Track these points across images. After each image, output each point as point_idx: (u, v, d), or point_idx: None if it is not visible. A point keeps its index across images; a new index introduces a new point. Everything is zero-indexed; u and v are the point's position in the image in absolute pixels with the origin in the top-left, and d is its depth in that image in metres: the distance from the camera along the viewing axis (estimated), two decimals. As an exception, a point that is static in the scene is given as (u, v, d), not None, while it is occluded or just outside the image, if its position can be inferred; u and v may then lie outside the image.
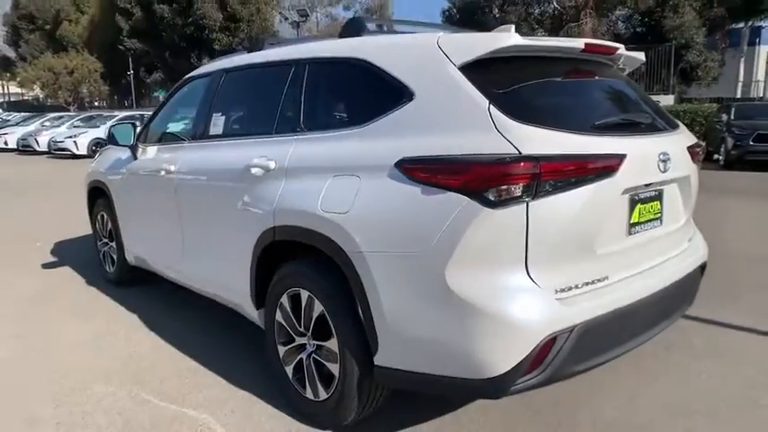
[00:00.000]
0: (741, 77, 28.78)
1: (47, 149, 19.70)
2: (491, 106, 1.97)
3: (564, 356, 1.97)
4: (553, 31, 23.69)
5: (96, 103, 47.55)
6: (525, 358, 1.89)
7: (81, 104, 44.84)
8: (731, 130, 12.63)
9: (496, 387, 1.93)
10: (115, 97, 51.78)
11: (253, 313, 2.92)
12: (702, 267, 2.72)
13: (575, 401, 2.69)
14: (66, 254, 5.71)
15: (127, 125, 3.96)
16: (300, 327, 2.55)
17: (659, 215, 2.40)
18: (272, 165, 2.64)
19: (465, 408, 2.65)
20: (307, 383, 2.55)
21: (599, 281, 2.11)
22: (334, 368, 2.39)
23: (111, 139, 3.96)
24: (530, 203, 1.88)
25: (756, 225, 6.76)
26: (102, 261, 4.79)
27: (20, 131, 21.96)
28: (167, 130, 3.93)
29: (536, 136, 1.93)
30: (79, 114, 25.67)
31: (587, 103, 2.40)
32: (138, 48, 40.25)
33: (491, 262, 1.91)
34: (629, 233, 2.25)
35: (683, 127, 2.71)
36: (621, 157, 2.07)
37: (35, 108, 42.74)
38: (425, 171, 2.00)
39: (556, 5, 24.43)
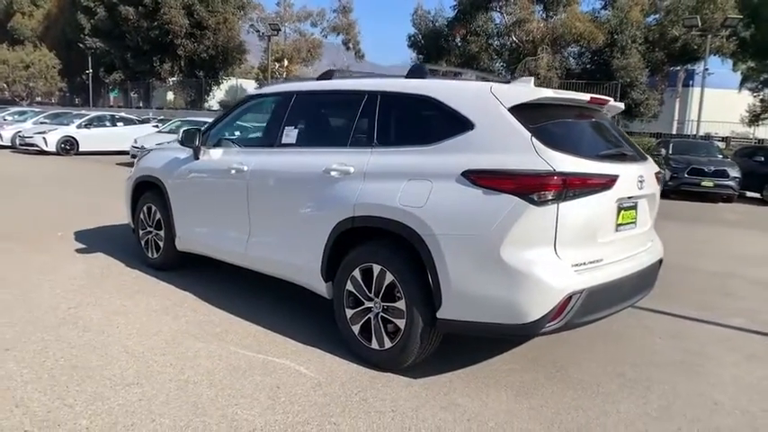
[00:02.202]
0: (676, 115, 31.51)
1: (10, 144, 19.50)
2: (532, 137, 2.89)
3: (575, 311, 2.88)
4: (512, 63, 25.40)
5: (50, 100, 46.28)
6: (551, 310, 2.80)
7: (32, 100, 43.60)
8: (669, 164, 14.22)
9: (531, 329, 2.83)
10: (67, 95, 50.60)
11: (320, 286, 3.71)
12: (660, 261, 3.73)
13: (566, 361, 3.61)
14: (92, 242, 6.22)
15: (194, 130, 4.66)
16: (370, 293, 3.37)
17: (635, 220, 3.37)
18: (351, 169, 3.47)
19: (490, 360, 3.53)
20: (373, 337, 3.36)
21: (598, 261, 3.06)
22: (400, 323, 3.22)
23: (184, 141, 4.66)
24: (559, 204, 2.80)
25: (694, 244, 8.02)
26: (145, 248, 5.41)
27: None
28: (233, 137, 4.68)
29: (563, 159, 2.86)
30: (45, 111, 25.29)
31: (590, 137, 3.35)
32: (100, 47, 39.73)
33: (531, 242, 2.82)
34: (616, 230, 3.20)
35: (650, 158, 3.73)
36: (616, 177, 3.04)
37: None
38: (486, 178, 2.90)
39: (514, 39, 26.18)
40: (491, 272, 2.86)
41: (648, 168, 3.50)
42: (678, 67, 25.92)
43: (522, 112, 3.01)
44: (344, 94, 3.86)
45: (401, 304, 3.21)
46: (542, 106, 3.10)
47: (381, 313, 3.33)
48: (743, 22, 21.17)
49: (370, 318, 3.39)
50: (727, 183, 13.74)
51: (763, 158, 15.29)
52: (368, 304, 3.41)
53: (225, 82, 42.14)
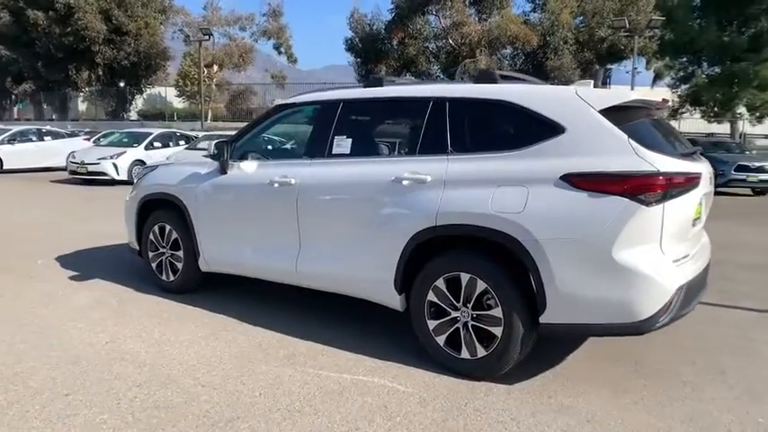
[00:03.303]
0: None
1: None
2: (629, 139, 2.96)
3: (678, 305, 2.98)
4: (450, 66, 25.96)
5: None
6: (664, 305, 2.87)
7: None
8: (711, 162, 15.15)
9: (646, 326, 2.89)
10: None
11: (391, 299, 3.61)
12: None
13: (637, 354, 3.72)
14: (82, 268, 5.73)
15: (222, 143, 4.41)
16: (458, 302, 3.31)
17: (700, 216, 3.53)
18: (427, 178, 3.40)
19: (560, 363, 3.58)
20: (462, 347, 3.31)
21: (686, 256, 3.17)
22: (496, 330, 3.19)
23: (215, 156, 4.40)
24: (664, 204, 2.88)
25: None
26: (157, 271, 5.06)
27: None
28: (263, 149, 4.46)
29: (661, 159, 2.94)
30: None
31: (664, 137, 3.45)
32: (5, 55, 36.86)
33: (641, 242, 2.88)
34: (693, 225, 3.34)
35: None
36: (700, 175, 3.16)
37: None
38: (590, 181, 2.93)
39: (451, 42, 26.78)
40: (603, 273, 2.90)
41: (708, 166, 3.67)
42: (610, 66, 27.43)
43: (611, 114, 3.07)
44: (404, 102, 3.78)
45: (497, 312, 3.18)
46: (623, 108, 3.18)
47: (471, 322, 3.29)
48: (662, 23, 22.70)
49: (457, 328, 3.34)
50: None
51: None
52: (454, 314, 3.35)
53: (147, 90, 40.27)
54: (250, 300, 4.76)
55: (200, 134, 18.25)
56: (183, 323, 4.23)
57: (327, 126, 4.01)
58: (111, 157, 14.70)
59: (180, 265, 4.89)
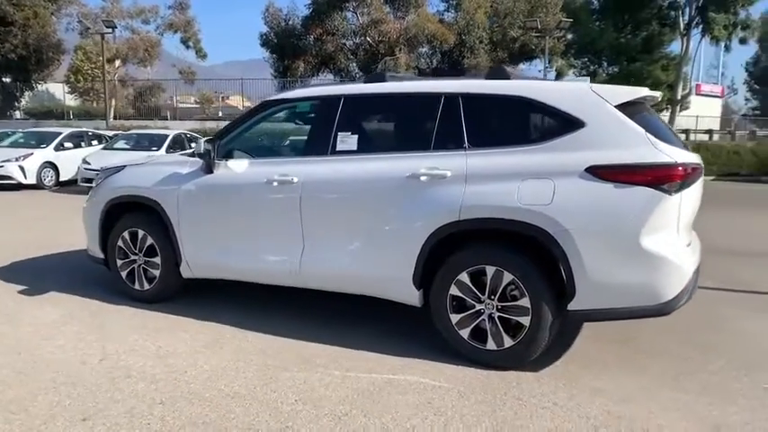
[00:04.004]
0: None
1: None
2: (646, 132, 3.14)
3: (691, 287, 3.21)
4: (369, 63, 26.04)
5: None
6: (684, 287, 3.09)
7: None
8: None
9: (669, 307, 3.09)
10: None
11: (409, 295, 3.60)
12: None
13: (631, 334, 3.97)
14: (27, 280, 5.17)
15: (208, 141, 4.16)
16: (483, 295, 3.37)
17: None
18: (447, 173, 3.42)
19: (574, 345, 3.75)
20: (489, 338, 3.37)
21: (690, 243, 3.42)
22: (524, 320, 3.27)
23: (203, 155, 4.14)
24: (682, 192, 3.09)
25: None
26: (128, 280, 4.69)
27: None
28: (253, 147, 4.27)
29: (674, 151, 3.15)
30: None
31: (665, 128, 3.67)
32: None
33: (663, 229, 3.07)
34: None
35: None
36: (702, 165, 3.42)
37: None
38: (616, 173, 3.08)
39: (368, 39, 26.87)
40: (630, 259, 3.06)
41: None
42: (522, 65, 28.84)
43: (625, 109, 3.25)
44: (413, 97, 3.75)
45: (524, 302, 3.27)
46: (631, 103, 3.37)
47: (497, 313, 3.36)
48: (569, 25, 24.21)
49: (483, 320, 3.39)
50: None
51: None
52: (478, 307, 3.40)
53: (39, 86, 36.92)
54: (235, 305, 4.55)
55: (119, 133, 17.04)
56: (175, 333, 3.97)
57: (329, 122, 3.90)
58: (17, 159, 13.37)
59: (157, 273, 4.56)
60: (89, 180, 13.00)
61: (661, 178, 3.03)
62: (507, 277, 3.29)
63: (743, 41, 26.38)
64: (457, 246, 3.46)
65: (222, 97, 39.33)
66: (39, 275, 5.40)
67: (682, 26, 26.10)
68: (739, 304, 4.83)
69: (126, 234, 4.66)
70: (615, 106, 3.23)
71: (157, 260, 4.54)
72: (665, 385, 3.21)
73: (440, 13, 27.39)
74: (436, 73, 25.00)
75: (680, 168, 3.07)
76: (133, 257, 4.66)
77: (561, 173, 3.18)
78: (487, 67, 24.68)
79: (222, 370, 3.38)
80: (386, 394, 3.07)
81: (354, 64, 28.21)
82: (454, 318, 3.46)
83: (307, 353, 3.63)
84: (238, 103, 42.51)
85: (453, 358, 3.49)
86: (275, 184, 3.92)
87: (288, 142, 4.49)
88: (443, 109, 3.57)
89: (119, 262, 4.73)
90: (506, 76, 3.61)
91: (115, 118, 28.34)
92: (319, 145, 3.92)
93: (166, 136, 14.29)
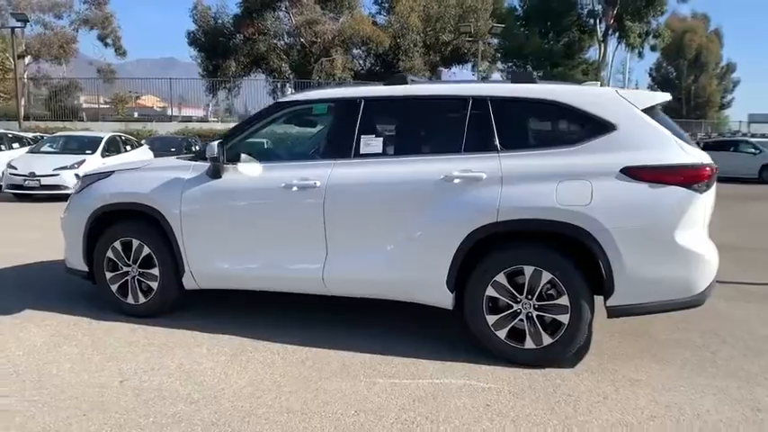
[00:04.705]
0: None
1: None
2: (673, 135, 3.33)
3: (716, 279, 3.43)
4: (301, 64, 25.72)
5: None
6: (712, 280, 3.29)
7: None
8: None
9: (700, 299, 3.28)
10: None
11: (442, 298, 3.60)
12: None
13: (649, 328, 4.18)
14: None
15: (214, 145, 3.95)
16: (521, 295, 3.43)
17: None
18: (482, 175, 3.45)
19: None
20: (527, 337, 3.43)
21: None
22: (563, 318, 3.36)
23: (212, 159, 3.92)
24: (707, 191, 3.29)
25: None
26: (120, 294, 4.37)
27: None
28: (263, 150, 4.11)
29: (699, 152, 3.36)
30: None
31: (679, 130, 3.87)
32: None
33: (694, 225, 3.26)
34: None
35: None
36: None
37: None
38: (649, 174, 3.23)
39: (302, 40, 26.52)
40: (666, 255, 3.23)
41: None
42: (453, 69, 29.48)
43: (649, 112, 3.42)
44: (439, 100, 3.76)
45: (563, 300, 3.35)
46: (651, 107, 3.55)
47: (535, 312, 3.43)
48: (501, 30, 25.09)
49: (521, 319, 3.45)
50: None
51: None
52: (516, 307, 3.46)
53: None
54: (238, 316, 4.36)
55: (43, 135, 15.80)
56: (190, 349, 3.75)
57: (350, 125, 3.83)
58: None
59: (155, 285, 4.28)
60: (18, 186, 12.01)
61: (692, 178, 3.22)
62: (546, 276, 3.37)
63: (653, 49, 28.52)
64: (490, 247, 3.50)
65: (135, 98, 37.41)
66: (6, 292, 4.92)
67: (599, 33, 27.79)
68: (721, 293, 5.20)
69: (117, 244, 4.34)
70: (641, 110, 3.39)
71: (155, 271, 4.26)
72: (693, 373, 3.40)
73: (372, 15, 27.55)
74: (372, 76, 25.13)
75: (707, 168, 3.28)
76: (125, 269, 4.35)
77: (597, 174, 3.30)
78: (424, 69, 25.16)
79: (260, 384, 3.23)
80: (441, 399, 3.05)
81: (286, 64, 27.76)
82: (491, 319, 3.50)
83: (338, 361, 3.54)
84: (152, 102, 40.63)
85: (485, 358, 3.52)
86: (295, 188, 3.80)
87: (299, 145, 4.34)
88: (472, 111, 3.60)
89: (108, 275, 4.40)
90: (532, 80, 3.70)
91: (26, 119, 26.24)
92: (340, 148, 3.83)
93: (100, 138, 13.44)
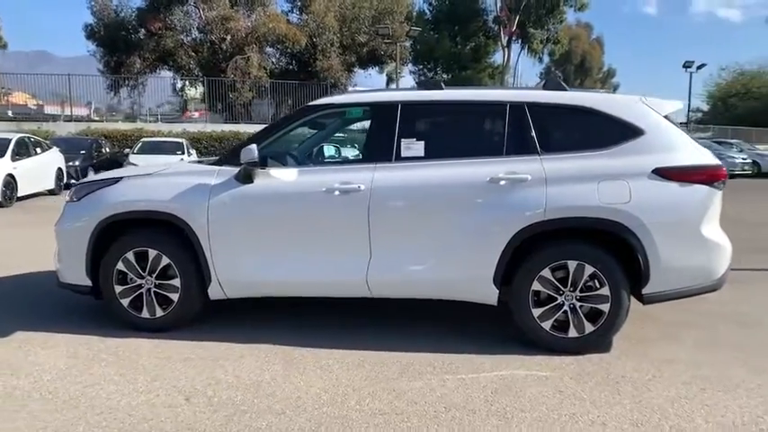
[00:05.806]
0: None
1: None
2: (692, 139, 3.75)
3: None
4: (220, 63, 24.69)
5: None
6: (729, 266, 3.75)
7: None
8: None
9: (720, 283, 3.73)
10: None
11: (488, 295, 3.78)
12: None
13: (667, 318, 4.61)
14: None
15: (254, 148, 3.82)
16: (565, 288, 3.69)
17: None
18: (527, 177, 3.67)
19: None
20: (570, 327, 3.70)
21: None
22: (604, 307, 3.66)
23: (249, 165, 3.79)
24: (722, 189, 3.74)
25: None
26: (132, 308, 4.10)
27: None
28: (293, 154, 4.05)
29: (711, 154, 3.80)
30: None
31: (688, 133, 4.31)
32: None
33: (713, 219, 3.70)
34: None
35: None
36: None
37: None
38: (678, 174, 3.62)
39: (212, 37, 25.44)
40: (694, 246, 3.63)
41: None
42: (368, 70, 29.70)
43: (669, 119, 3.82)
44: (477, 105, 3.93)
45: (604, 290, 3.65)
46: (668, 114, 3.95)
47: (578, 303, 3.70)
48: (418, 33, 25.72)
49: (565, 311, 3.71)
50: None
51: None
52: (559, 299, 3.71)
53: None
54: (254, 324, 4.27)
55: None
56: (237, 361, 3.62)
57: (389, 129, 3.89)
58: None
59: (174, 296, 4.07)
60: None
61: (713, 177, 3.65)
62: (588, 270, 3.65)
63: (551, 54, 30.64)
64: (535, 244, 3.72)
65: (6, 95, 33.88)
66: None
67: (503, 39, 29.41)
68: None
69: (130, 255, 4.07)
70: (663, 116, 3.77)
71: (175, 282, 4.05)
72: (714, 349, 3.84)
73: (285, 13, 27.13)
74: (287, 75, 24.79)
75: (723, 168, 3.72)
76: (139, 281, 4.09)
77: (632, 174, 3.63)
78: (341, 70, 25.19)
79: (334, 389, 3.22)
80: (518, 389, 3.22)
81: (194, 62, 26.53)
82: (536, 312, 3.73)
83: (395, 362, 3.60)
84: (23, 100, 36.96)
85: (526, 348, 3.75)
86: (337, 192, 3.79)
87: (332, 148, 4.30)
88: (511, 117, 3.80)
89: (118, 288, 4.10)
90: (563, 88, 3.97)
91: None
92: (380, 151, 3.89)
93: (8, 140, 12.16)
